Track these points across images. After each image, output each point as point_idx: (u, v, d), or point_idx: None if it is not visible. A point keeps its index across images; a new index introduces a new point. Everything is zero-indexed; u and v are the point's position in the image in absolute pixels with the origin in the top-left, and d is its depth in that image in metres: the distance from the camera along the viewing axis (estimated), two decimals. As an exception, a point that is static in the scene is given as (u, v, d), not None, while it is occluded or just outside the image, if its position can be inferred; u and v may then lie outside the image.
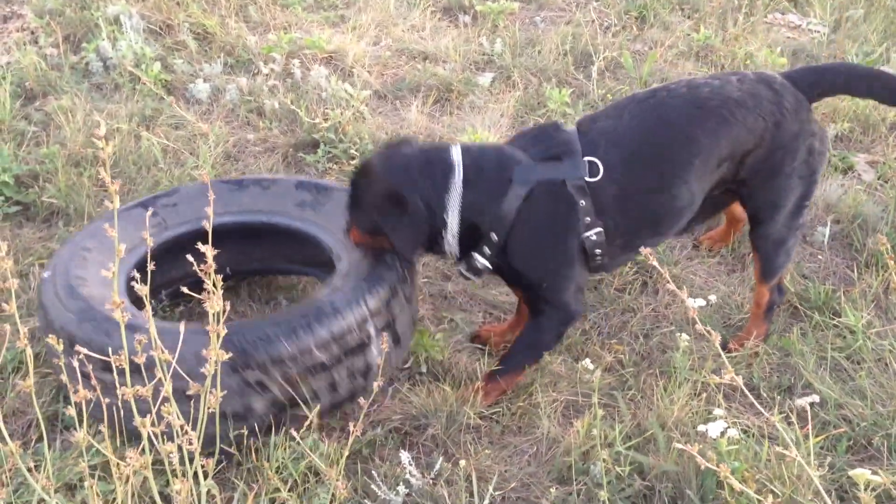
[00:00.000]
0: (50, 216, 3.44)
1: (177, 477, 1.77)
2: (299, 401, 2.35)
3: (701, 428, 2.37)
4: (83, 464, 1.89)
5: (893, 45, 4.88)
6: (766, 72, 2.80)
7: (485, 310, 3.16)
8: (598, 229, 2.59)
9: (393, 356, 2.50)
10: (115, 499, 1.86)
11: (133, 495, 1.93)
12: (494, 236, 2.57)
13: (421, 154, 2.62)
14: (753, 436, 2.54)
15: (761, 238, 2.85)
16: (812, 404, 2.67)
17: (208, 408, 1.84)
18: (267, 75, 4.33)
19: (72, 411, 1.76)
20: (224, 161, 3.76)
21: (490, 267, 2.65)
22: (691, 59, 4.77)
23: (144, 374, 1.75)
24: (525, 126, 4.06)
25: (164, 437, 1.74)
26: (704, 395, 2.69)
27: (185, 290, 1.90)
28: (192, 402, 1.87)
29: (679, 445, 1.80)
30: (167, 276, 2.74)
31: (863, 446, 2.61)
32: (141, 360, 1.71)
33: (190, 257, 1.78)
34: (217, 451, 2.17)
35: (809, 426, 2.42)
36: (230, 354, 1.81)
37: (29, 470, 1.92)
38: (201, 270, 1.75)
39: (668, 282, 2.02)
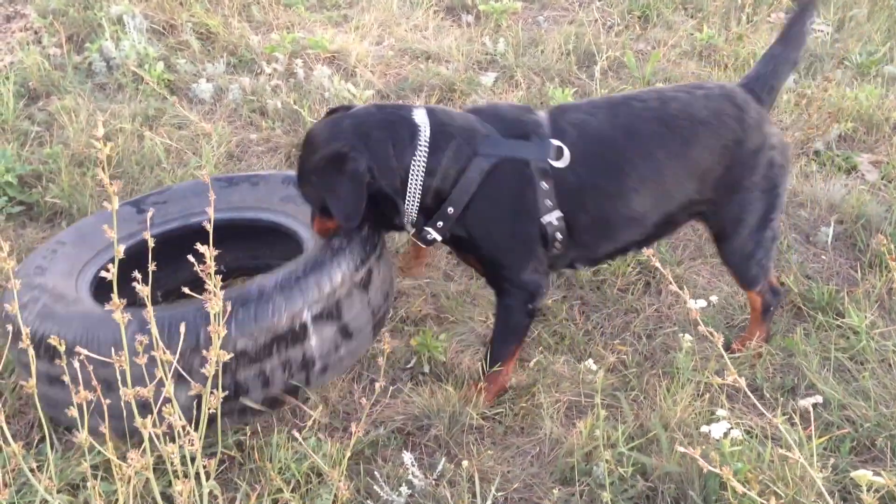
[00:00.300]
0: (53, 216, 3.44)
1: (177, 477, 1.77)
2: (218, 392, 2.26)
3: (704, 429, 2.37)
4: (85, 464, 1.89)
5: (897, 44, 4.88)
6: (728, 86, 2.79)
7: (486, 309, 3.16)
8: (559, 214, 2.55)
9: (343, 350, 2.40)
10: (117, 499, 1.86)
11: (135, 496, 1.94)
12: (451, 209, 2.51)
13: (378, 113, 2.53)
14: (756, 437, 2.54)
15: (728, 254, 2.83)
16: (815, 405, 2.67)
17: (209, 408, 1.85)
18: (270, 75, 4.33)
19: (73, 412, 1.76)
20: (227, 161, 3.76)
21: (439, 238, 2.58)
22: (694, 58, 4.77)
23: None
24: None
25: (166, 437, 1.74)
26: (707, 395, 2.68)
27: (186, 290, 1.89)
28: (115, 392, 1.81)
29: (686, 451, 1.79)
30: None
31: (866, 447, 2.60)
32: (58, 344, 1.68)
33: (191, 258, 1.78)
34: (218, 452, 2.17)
35: (812, 427, 2.41)
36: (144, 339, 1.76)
37: (31, 471, 1.93)
38: (201, 271, 1.76)
39: (671, 283, 2.02)
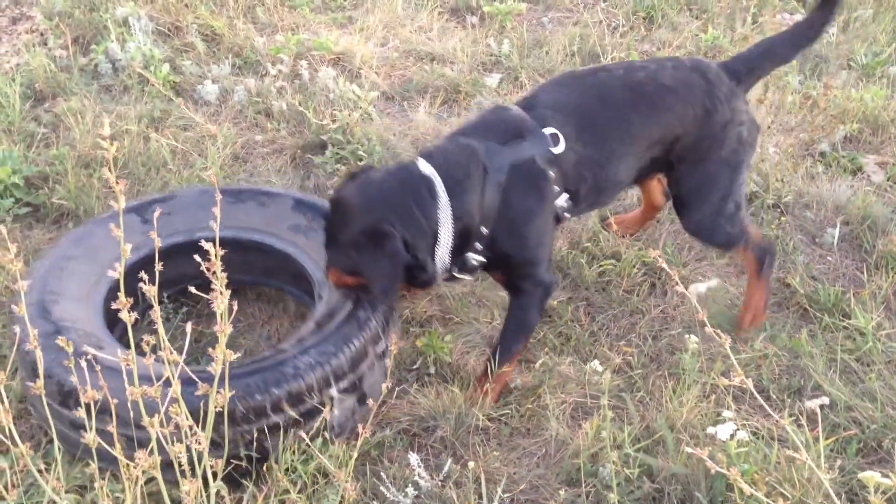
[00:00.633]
0: (60, 217, 3.45)
1: (186, 477, 1.77)
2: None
3: (710, 430, 2.36)
4: (93, 465, 1.89)
5: (903, 45, 4.87)
6: (702, 60, 2.89)
7: (492, 310, 3.15)
8: (566, 195, 2.67)
9: (358, 414, 2.44)
10: (124, 500, 1.86)
11: (142, 496, 1.94)
12: (484, 229, 2.57)
13: (392, 177, 2.55)
14: (763, 438, 2.53)
15: (691, 225, 2.94)
16: (822, 406, 2.66)
17: (216, 407, 1.85)
18: (275, 76, 4.33)
19: (81, 413, 1.76)
20: (232, 162, 3.77)
21: (483, 260, 2.64)
22: (699, 59, 4.76)
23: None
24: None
25: (174, 438, 1.74)
26: (713, 396, 2.68)
27: (192, 289, 1.90)
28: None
29: (693, 451, 1.79)
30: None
31: (873, 449, 2.60)
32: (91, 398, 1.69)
33: (197, 257, 1.77)
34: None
35: (819, 428, 2.41)
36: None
37: (39, 471, 1.93)
38: (207, 270, 1.76)
39: (678, 283, 2.02)
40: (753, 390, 1.91)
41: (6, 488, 1.90)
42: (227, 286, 1.74)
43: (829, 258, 3.44)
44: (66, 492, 2.21)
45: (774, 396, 2.79)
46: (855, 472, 2.44)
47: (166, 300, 2.96)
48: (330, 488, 2.32)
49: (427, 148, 2.72)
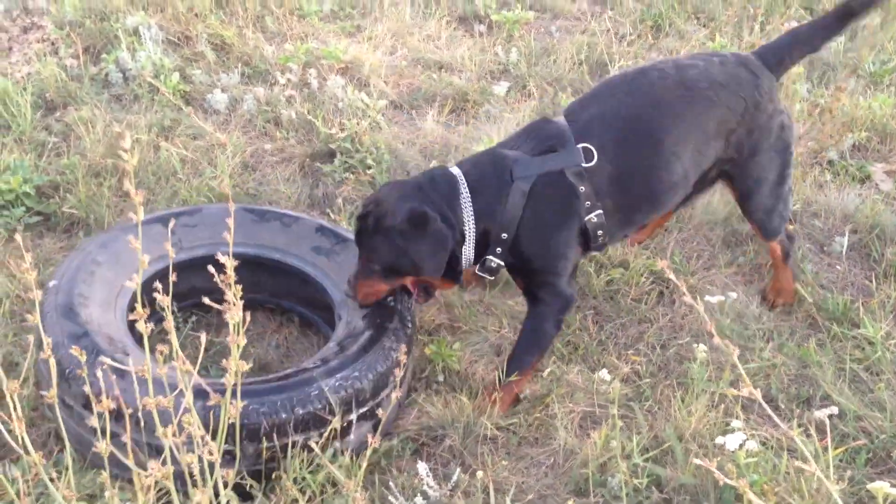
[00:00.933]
0: (70, 226, 3.46)
1: (196, 487, 1.78)
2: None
3: (719, 440, 2.36)
4: (105, 474, 1.90)
5: (911, 53, 4.87)
6: (742, 54, 2.94)
7: (500, 319, 3.16)
8: (599, 211, 2.68)
9: (370, 440, 2.50)
10: (135, 509, 1.87)
11: (154, 505, 1.95)
12: (505, 234, 2.64)
13: (423, 176, 2.71)
14: (772, 448, 2.53)
15: (752, 211, 3.03)
16: (831, 416, 2.66)
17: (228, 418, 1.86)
18: (284, 85, 4.35)
19: (94, 422, 1.78)
20: (241, 171, 3.78)
21: (503, 264, 2.71)
22: (707, 68, 4.76)
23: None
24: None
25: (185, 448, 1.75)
26: (722, 406, 2.68)
27: (206, 300, 1.91)
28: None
29: (701, 462, 1.79)
30: (177, 292, 2.75)
31: (882, 459, 2.60)
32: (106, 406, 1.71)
33: (211, 268, 1.79)
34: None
35: (828, 439, 2.41)
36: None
37: (51, 480, 1.94)
38: (221, 281, 1.77)
39: (685, 293, 2.02)
40: (762, 400, 1.91)
41: (18, 496, 1.92)
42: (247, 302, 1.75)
43: (838, 267, 3.44)
44: (77, 500, 2.21)
45: (783, 406, 2.79)
46: (864, 482, 2.44)
47: (185, 311, 3.00)
48: (338, 498, 2.32)
49: (467, 157, 2.85)
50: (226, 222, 1.79)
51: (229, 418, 1.75)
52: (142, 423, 1.97)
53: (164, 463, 1.67)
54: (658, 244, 3.49)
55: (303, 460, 2.35)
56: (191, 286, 2.70)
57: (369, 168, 3.75)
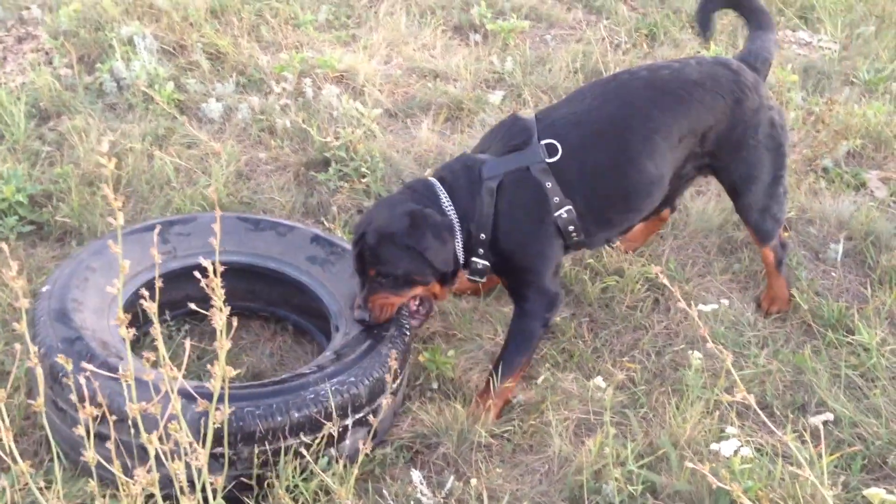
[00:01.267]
0: (63, 235, 3.45)
1: (185, 495, 1.77)
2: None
3: (714, 446, 2.35)
4: (93, 483, 1.89)
5: (905, 61, 4.87)
6: (722, 56, 3.02)
7: (495, 326, 3.15)
8: (568, 207, 2.71)
9: (363, 445, 2.49)
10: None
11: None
12: (483, 235, 2.69)
13: (404, 188, 2.79)
14: (767, 454, 2.52)
15: (745, 209, 3.04)
16: (826, 422, 2.65)
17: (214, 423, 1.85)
18: (279, 94, 4.35)
19: (81, 431, 1.76)
20: (236, 180, 3.78)
21: (488, 264, 2.75)
22: (702, 76, 4.77)
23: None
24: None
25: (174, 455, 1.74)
26: (717, 413, 2.67)
27: (192, 306, 1.91)
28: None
29: (695, 466, 1.79)
30: (170, 300, 2.75)
31: (877, 465, 2.59)
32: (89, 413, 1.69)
33: (197, 274, 1.78)
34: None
35: (822, 445, 2.40)
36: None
37: (40, 489, 1.93)
38: (207, 287, 1.76)
39: (679, 300, 2.01)
40: (756, 407, 1.90)
41: (7, 506, 1.90)
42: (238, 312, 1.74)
43: (833, 274, 3.43)
44: (67, 509, 2.20)
45: (778, 412, 2.78)
46: (860, 488, 2.43)
47: (179, 319, 3.01)
48: (331, 506, 2.31)
49: (437, 166, 2.94)
50: (221, 231, 1.78)
51: (215, 423, 1.74)
52: (140, 426, 1.96)
53: (149, 470, 1.66)
54: (653, 251, 3.49)
55: (295, 468, 2.34)
56: (186, 294, 2.70)
57: (364, 177, 3.74)
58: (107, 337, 2.48)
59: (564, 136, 2.71)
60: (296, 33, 4.98)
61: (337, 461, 2.38)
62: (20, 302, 1.78)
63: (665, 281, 2.03)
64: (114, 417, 1.87)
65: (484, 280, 2.84)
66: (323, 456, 2.38)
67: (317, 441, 2.35)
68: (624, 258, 3.39)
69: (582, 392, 2.81)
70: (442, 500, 2.40)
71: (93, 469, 1.78)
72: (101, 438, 1.97)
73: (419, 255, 2.58)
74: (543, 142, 2.70)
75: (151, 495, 1.83)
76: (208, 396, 1.88)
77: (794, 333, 3.12)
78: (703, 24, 3.23)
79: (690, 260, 3.47)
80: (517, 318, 2.78)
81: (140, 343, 2.79)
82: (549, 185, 2.68)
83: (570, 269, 3.33)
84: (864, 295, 3.30)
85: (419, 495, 2.36)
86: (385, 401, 2.43)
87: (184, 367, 1.78)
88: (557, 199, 2.69)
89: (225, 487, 2.08)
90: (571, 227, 2.73)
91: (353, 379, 2.43)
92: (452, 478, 2.47)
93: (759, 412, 2.02)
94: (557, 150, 2.69)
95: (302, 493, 2.32)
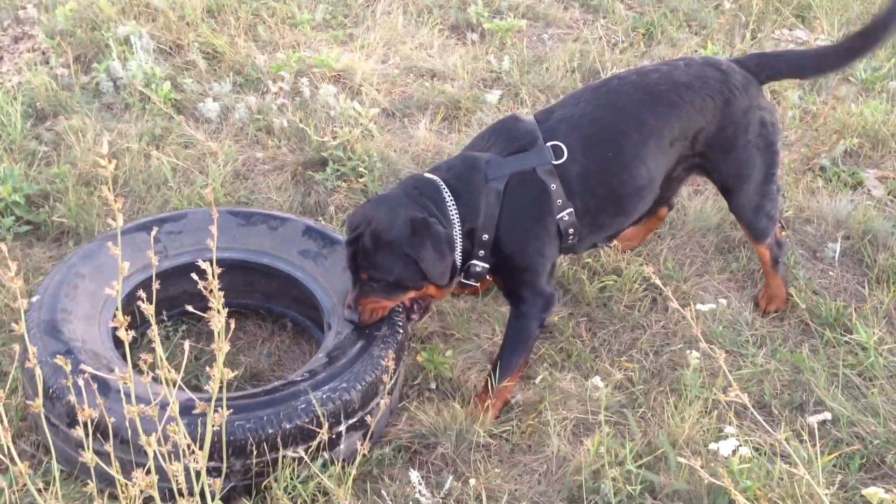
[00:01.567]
0: (60, 236, 3.45)
1: (183, 496, 1.77)
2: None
3: (712, 446, 2.36)
4: (91, 484, 1.89)
5: (902, 60, 4.87)
6: (713, 57, 3.00)
7: (493, 326, 3.15)
8: (570, 209, 2.72)
9: (359, 447, 2.44)
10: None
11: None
12: (486, 236, 2.67)
13: (404, 186, 2.72)
14: (765, 454, 2.52)
15: (738, 208, 3.04)
16: (824, 422, 2.65)
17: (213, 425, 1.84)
18: (276, 94, 4.34)
19: (79, 431, 1.76)
20: (233, 179, 3.77)
21: (488, 266, 2.73)
22: (699, 75, 4.77)
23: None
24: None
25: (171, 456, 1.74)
26: (715, 412, 2.67)
27: (189, 308, 1.90)
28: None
29: (690, 464, 1.79)
30: (164, 299, 2.74)
31: (876, 464, 2.59)
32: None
33: (194, 276, 1.77)
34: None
35: (818, 444, 2.40)
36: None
37: (38, 491, 1.92)
38: (204, 288, 1.75)
39: (673, 301, 2.02)
40: (751, 407, 1.90)
41: (5, 507, 1.90)
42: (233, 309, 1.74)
43: (831, 273, 3.43)
44: (65, 511, 2.20)
45: (776, 412, 2.78)
46: (858, 487, 2.43)
47: (175, 319, 2.98)
48: (330, 506, 2.31)
49: (438, 163, 2.87)
50: (212, 227, 1.77)
51: (214, 426, 1.73)
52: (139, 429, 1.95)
53: (147, 472, 1.65)
54: (651, 251, 3.49)
55: (293, 470, 2.34)
56: (181, 290, 2.69)
57: (361, 176, 3.74)
58: (98, 347, 2.46)
59: (567, 138, 2.72)
60: (293, 33, 4.97)
61: (334, 463, 2.38)
62: (18, 302, 1.78)
63: (658, 282, 2.03)
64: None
65: (477, 283, 2.82)
66: (316, 459, 2.37)
67: (310, 449, 2.34)
68: (621, 257, 3.39)
69: (580, 392, 2.81)
70: (441, 501, 2.40)
71: (92, 472, 1.78)
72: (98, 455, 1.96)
73: (415, 263, 2.53)
74: (549, 143, 2.70)
75: (150, 498, 1.83)
76: (201, 399, 1.88)
77: (791, 332, 3.12)
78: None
79: (688, 259, 3.47)
80: (514, 319, 2.78)
81: (137, 344, 2.79)
82: (553, 186, 2.68)
83: (567, 268, 3.33)
84: (862, 294, 3.30)
85: (418, 495, 2.36)
86: (381, 402, 2.42)
87: (182, 369, 1.78)
88: (561, 201, 2.69)
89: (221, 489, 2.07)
90: (571, 230, 2.74)
91: (344, 385, 2.41)
92: (451, 478, 2.47)
93: (755, 413, 2.02)
94: (563, 153, 2.69)
95: (300, 495, 2.32)
